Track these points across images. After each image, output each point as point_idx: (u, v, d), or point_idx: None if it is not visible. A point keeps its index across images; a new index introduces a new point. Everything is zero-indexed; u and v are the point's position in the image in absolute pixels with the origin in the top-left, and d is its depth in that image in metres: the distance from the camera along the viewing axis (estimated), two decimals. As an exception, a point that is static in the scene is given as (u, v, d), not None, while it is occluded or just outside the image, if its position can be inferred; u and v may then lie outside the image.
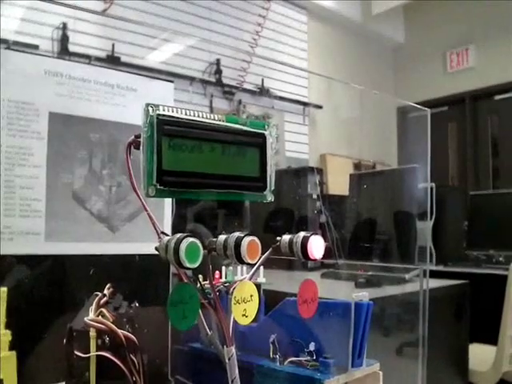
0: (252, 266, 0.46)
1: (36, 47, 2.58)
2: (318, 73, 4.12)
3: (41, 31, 2.63)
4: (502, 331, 1.86)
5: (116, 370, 0.50)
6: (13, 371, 0.54)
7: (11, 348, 0.55)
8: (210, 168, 0.43)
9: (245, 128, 0.45)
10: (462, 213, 2.81)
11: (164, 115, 0.40)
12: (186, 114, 0.42)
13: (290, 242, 0.46)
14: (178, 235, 0.39)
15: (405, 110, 3.93)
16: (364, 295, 0.54)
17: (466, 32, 4.34)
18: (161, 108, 0.41)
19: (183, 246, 0.37)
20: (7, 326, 0.55)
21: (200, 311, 0.44)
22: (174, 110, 0.41)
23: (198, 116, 0.43)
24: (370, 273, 1.67)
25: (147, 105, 0.40)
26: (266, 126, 0.47)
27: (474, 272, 2.29)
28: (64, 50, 2.70)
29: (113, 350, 0.50)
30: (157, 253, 0.41)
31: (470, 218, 2.80)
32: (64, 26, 2.70)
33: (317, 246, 0.45)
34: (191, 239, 0.38)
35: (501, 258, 2.51)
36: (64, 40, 2.72)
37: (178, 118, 0.41)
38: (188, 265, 0.38)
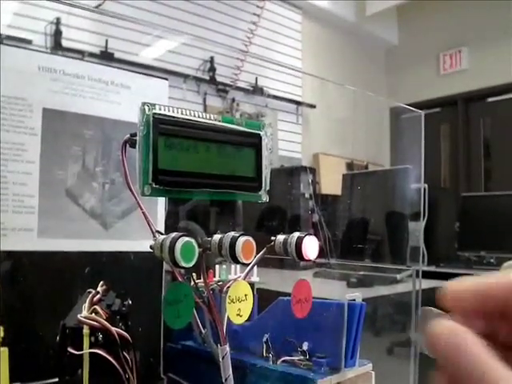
0: (246, 265, 0.46)
1: (29, 42, 2.56)
2: (312, 72, 4.12)
3: (34, 26, 2.62)
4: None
5: (109, 368, 0.50)
6: (5, 367, 0.54)
7: (3, 344, 0.55)
8: (205, 168, 0.43)
9: (241, 128, 0.46)
10: (453, 214, 2.83)
11: (160, 114, 0.40)
12: (182, 114, 0.42)
13: (285, 242, 0.46)
14: (174, 234, 0.39)
15: (398, 111, 3.94)
16: (357, 296, 0.55)
17: (459, 34, 4.36)
18: (157, 107, 0.40)
19: (179, 245, 0.37)
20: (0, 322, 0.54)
21: (194, 309, 0.44)
22: (171, 109, 0.41)
23: (195, 116, 0.43)
24: (361, 273, 1.67)
25: (143, 103, 0.40)
26: (262, 127, 0.47)
27: (465, 273, 2.29)
28: (57, 46, 2.69)
29: (106, 348, 0.50)
30: (150, 250, 0.41)
31: (461, 219, 2.82)
32: (58, 21, 2.69)
33: (311, 247, 0.46)
34: (187, 238, 0.38)
35: (492, 260, 2.52)
36: (57, 35, 2.70)
37: (174, 117, 0.41)
38: (183, 264, 0.38)
